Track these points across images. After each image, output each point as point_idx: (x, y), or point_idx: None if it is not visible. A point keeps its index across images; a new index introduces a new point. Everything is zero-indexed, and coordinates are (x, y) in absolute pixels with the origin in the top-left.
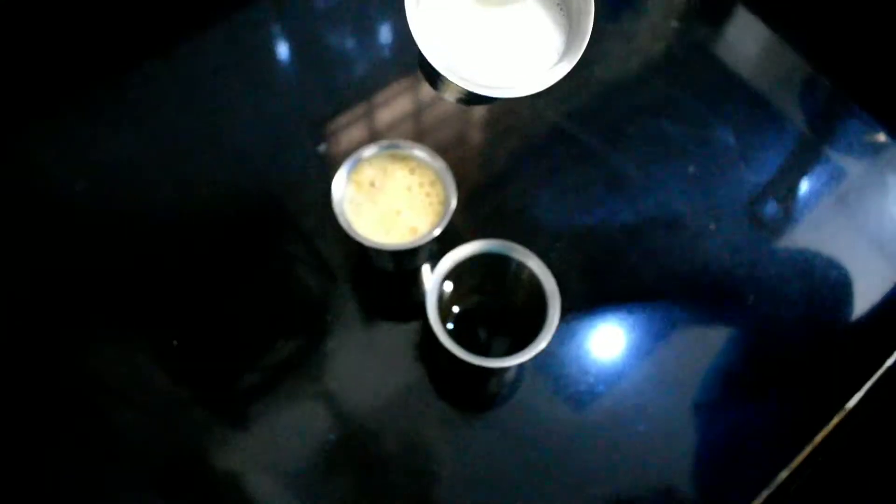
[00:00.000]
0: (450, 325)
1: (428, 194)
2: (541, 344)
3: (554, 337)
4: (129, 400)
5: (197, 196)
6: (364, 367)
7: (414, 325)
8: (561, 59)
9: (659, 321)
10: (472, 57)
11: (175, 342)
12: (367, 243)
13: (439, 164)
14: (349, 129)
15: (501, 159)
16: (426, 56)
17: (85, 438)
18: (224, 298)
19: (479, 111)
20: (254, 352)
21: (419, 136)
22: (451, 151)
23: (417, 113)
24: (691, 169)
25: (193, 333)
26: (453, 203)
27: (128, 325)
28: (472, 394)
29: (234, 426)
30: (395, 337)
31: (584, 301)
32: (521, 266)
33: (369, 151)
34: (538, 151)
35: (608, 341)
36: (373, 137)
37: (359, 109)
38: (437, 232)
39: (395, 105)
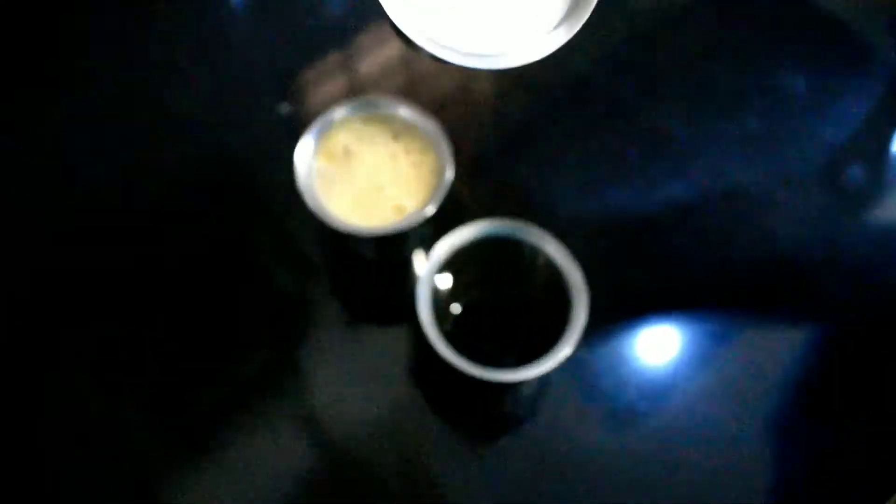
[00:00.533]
0: (448, 328)
1: (417, 164)
2: (564, 350)
3: (581, 341)
4: (65, 429)
5: (139, 183)
6: (345, 384)
7: (404, 330)
8: (568, 13)
9: (716, 320)
10: (452, 18)
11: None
12: (341, 228)
13: (431, 126)
14: (319, 85)
15: (512, 119)
16: (395, 22)
17: (18, 475)
18: (175, 302)
19: None
20: (213, 366)
21: (407, 92)
22: (448, 110)
23: (405, 63)
24: (752, 125)
25: (139, 346)
26: (449, 174)
27: (63, 337)
28: (479, 415)
29: (196, 456)
30: (381, 344)
31: (619, 295)
32: (537, 252)
33: (342, 112)
34: (558, 108)
35: (651, 346)
36: (350, 94)
37: (331, 59)
38: (430, 211)
39: (376, 53)
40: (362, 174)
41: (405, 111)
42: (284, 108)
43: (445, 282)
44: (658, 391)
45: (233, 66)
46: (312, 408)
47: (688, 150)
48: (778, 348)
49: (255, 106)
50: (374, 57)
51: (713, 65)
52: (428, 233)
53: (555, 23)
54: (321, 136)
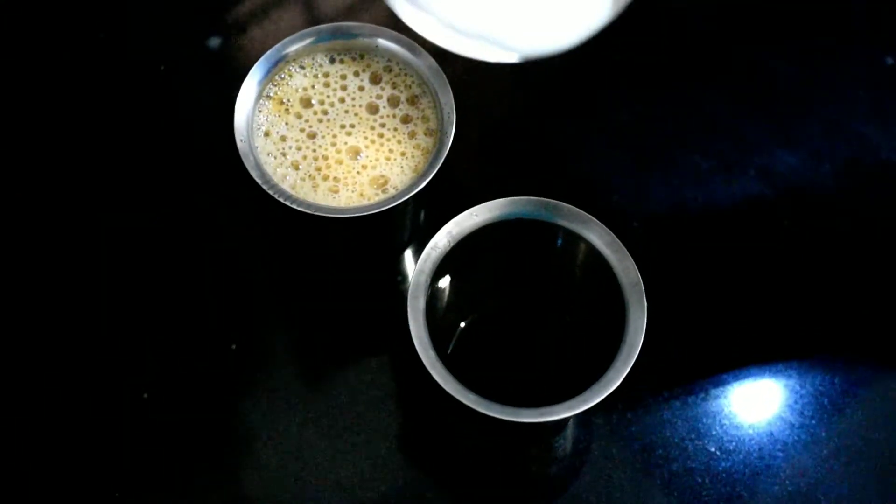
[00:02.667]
0: (452, 351)
1: (406, 119)
2: (614, 382)
3: (639, 370)
4: None
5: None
6: (301, 446)
7: (388, 358)
8: None
9: (841, 354)
10: None
11: None
12: (300, 208)
13: (426, 63)
14: (268, 8)
15: (545, 62)
16: None
17: None
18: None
19: None
20: (95, 425)
21: (396, 19)
22: None
23: None
24: (890, 63)
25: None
26: (451, 134)
27: None
28: (499, 478)
29: None
30: (355, 381)
31: (694, 306)
32: (575, 239)
33: (298, 45)
34: (609, 46)
35: (744, 382)
36: (311, 20)
37: None
38: (423, 185)
39: None
40: (328, 133)
41: (388, 42)
42: (214, 42)
43: (448, 286)
44: (751, 445)
45: None
46: (249, 489)
47: (798, 99)
48: None
49: (176, 39)
50: None
51: None
52: (423, 217)
53: None
54: (270, 79)
